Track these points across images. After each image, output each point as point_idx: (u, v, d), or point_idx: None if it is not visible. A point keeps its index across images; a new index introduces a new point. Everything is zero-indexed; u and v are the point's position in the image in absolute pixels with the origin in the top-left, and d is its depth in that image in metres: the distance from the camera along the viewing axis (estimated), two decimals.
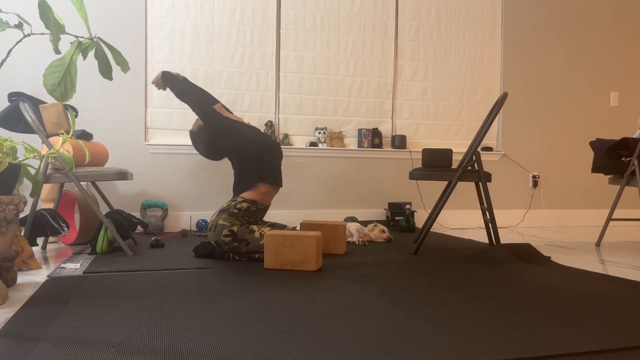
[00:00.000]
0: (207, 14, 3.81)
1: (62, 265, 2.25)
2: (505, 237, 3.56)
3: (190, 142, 3.76)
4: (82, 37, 1.67)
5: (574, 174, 4.62)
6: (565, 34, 4.60)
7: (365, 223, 3.82)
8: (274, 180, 2.58)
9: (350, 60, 4.11)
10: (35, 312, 1.50)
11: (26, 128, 2.63)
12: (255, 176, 2.53)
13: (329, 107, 4.08)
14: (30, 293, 1.76)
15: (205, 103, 2.66)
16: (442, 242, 3.17)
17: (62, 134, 2.14)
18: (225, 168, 3.82)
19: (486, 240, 3.30)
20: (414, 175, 2.77)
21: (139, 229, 3.60)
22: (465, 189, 4.36)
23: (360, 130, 4.08)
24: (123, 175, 2.65)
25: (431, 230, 3.99)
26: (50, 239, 3.06)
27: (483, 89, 4.43)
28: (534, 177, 4.48)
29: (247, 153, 2.56)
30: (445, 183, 4.10)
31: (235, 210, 2.47)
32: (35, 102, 2.58)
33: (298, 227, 2.86)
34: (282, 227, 2.66)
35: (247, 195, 2.53)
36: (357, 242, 3.08)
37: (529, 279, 2.05)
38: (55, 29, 1.57)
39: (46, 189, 3.17)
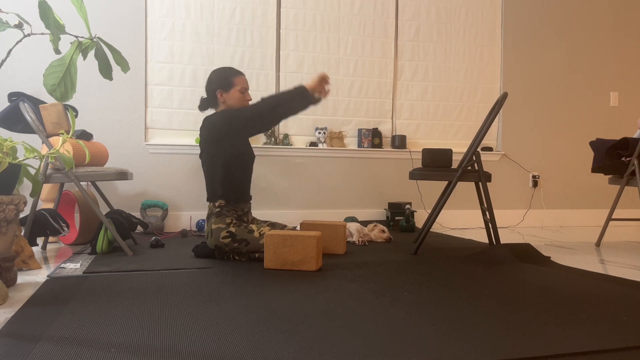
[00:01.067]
0: (207, 14, 3.81)
1: (62, 265, 2.25)
2: (505, 237, 3.56)
3: (190, 143, 3.76)
4: (82, 37, 1.67)
5: (574, 174, 4.62)
6: (565, 34, 4.60)
7: (365, 223, 3.82)
8: (236, 199, 2.53)
9: (350, 60, 4.11)
10: (35, 312, 1.50)
11: (26, 128, 2.63)
12: (219, 193, 2.50)
13: (329, 107, 4.08)
14: (30, 293, 1.76)
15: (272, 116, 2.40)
16: (442, 242, 3.17)
17: (62, 134, 2.13)
18: None
19: (486, 240, 3.30)
20: (414, 175, 2.77)
21: (139, 229, 3.60)
22: (465, 189, 4.36)
23: (360, 130, 4.08)
24: (123, 175, 2.65)
25: (431, 230, 3.99)
26: (50, 239, 3.06)
27: (483, 89, 4.43)
28: (534, 177, 4.48)
29: (217, 169, 2.50)
30: (445, 183, 4.10)
31: (218, 209, 2.48)
32: (35, 102, 2.58)
33: (298, 227, 2.86)
34: (282, 227, 2.66)
35: None
36: (357, 242, 3.08)
37: (529, 279, 2.05)
38: (55, 29, 1.57)
39: (46, 189, 3.17)
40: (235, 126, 2.44)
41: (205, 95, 2.62)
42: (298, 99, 2.39)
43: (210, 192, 2.53)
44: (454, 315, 1.50)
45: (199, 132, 3.81)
